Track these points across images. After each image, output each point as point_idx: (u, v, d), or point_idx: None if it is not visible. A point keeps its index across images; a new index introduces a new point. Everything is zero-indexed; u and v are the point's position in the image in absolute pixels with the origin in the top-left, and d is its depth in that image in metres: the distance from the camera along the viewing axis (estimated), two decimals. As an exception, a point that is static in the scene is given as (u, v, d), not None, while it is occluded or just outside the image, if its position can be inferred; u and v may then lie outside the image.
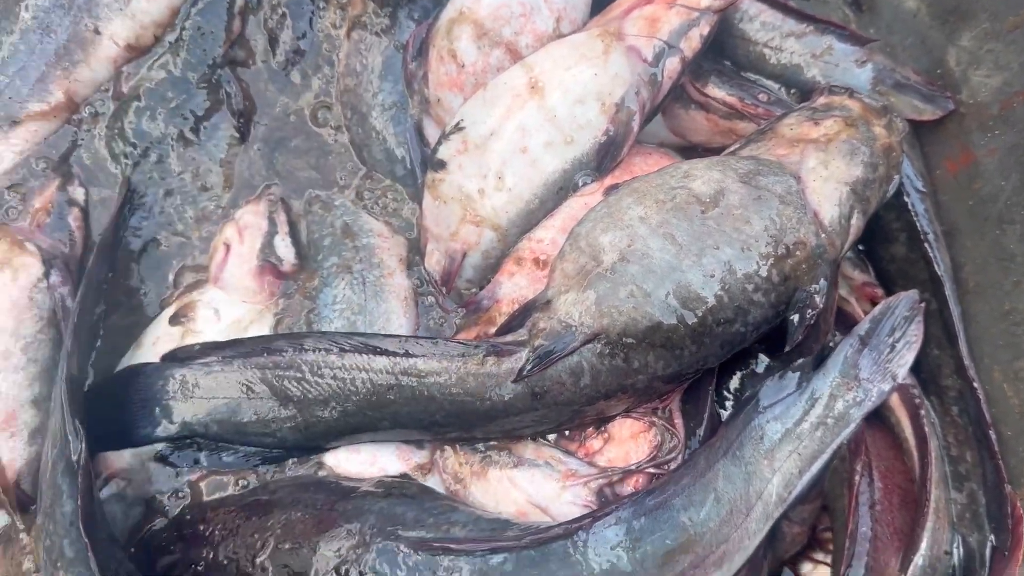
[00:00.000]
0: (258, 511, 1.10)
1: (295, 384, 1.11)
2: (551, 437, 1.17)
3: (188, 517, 1.14)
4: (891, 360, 1.12)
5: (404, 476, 1.14)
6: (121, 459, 1.15)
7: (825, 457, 1.06)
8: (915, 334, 1.13)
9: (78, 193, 1.33)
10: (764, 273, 1.08)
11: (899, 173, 1.21)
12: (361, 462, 1.14)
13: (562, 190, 1.26)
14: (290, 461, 1.16)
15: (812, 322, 1.10)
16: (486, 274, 1.29)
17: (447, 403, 1.09)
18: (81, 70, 1.34)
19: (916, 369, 1.31)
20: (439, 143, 1.28)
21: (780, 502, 1.05)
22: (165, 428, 1.14)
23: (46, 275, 1.19)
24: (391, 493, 1.09)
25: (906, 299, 1.14)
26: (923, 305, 1.12)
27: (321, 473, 1.16)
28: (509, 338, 1.11)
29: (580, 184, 1.25)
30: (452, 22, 1.30)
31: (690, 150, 1.44)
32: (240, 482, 1.18)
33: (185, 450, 1.15)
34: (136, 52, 1.38)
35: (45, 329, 1.18)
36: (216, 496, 1.17)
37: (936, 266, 1.29)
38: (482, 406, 1.08)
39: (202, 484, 1.21)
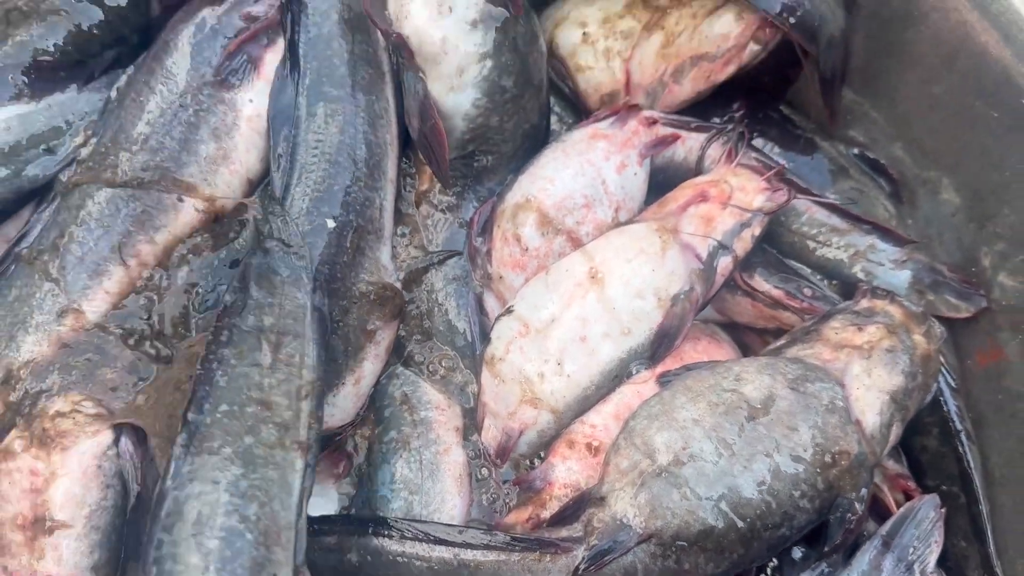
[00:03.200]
0: None
1: (353, 568, 1.14)
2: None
3: None
4: (913, 563, 1.18)
5: None
6: None
7: None
8: (937, 537, 1.20)
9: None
10: (811, 481, 1.14)
11: (936, 381, 1.28)
12: None
13: (616, 377, 1.32)
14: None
15: (852, 527, 1.17)
16: (539, 450, 1.35)
17: None
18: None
19: (942, 560, 1.35)
20: (497, 320, 1.35)
21: None
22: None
23: (115, 441, 1.19)
24: None
25: (928, 502, 1.21)
26: (944, 510, 1.18)
27: None
28: (564, 533, 1.16)
29: (634, 372, 1.32)
30: (518, 207, 1.38)
31: (734, 327, 1.51)
32: None
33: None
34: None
35: (110, 496, 1.19)
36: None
37: (967, 464, 1.35)
38: (535, 603, 1.13)
39: None
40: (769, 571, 1.30)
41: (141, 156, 1.31)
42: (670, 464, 1.14)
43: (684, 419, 1.17)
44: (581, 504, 1.19)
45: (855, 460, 1.17)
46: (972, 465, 1.35)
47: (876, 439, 1.20)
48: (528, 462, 1.36)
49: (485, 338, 1.38)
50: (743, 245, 1.34)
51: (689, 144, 1.51)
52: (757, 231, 1.34)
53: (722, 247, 1.32)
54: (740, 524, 1.12)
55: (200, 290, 1.31)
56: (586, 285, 1.30)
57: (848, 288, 1.43)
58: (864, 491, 1.17)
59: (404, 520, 1.19)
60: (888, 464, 1.40)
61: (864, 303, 1.32)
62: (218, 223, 1.36)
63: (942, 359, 1.39)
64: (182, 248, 1.32)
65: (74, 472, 1.16)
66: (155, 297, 1.29)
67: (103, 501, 1.18)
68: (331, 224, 1.30)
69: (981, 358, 1.43)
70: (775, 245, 1.49)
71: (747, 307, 1.44)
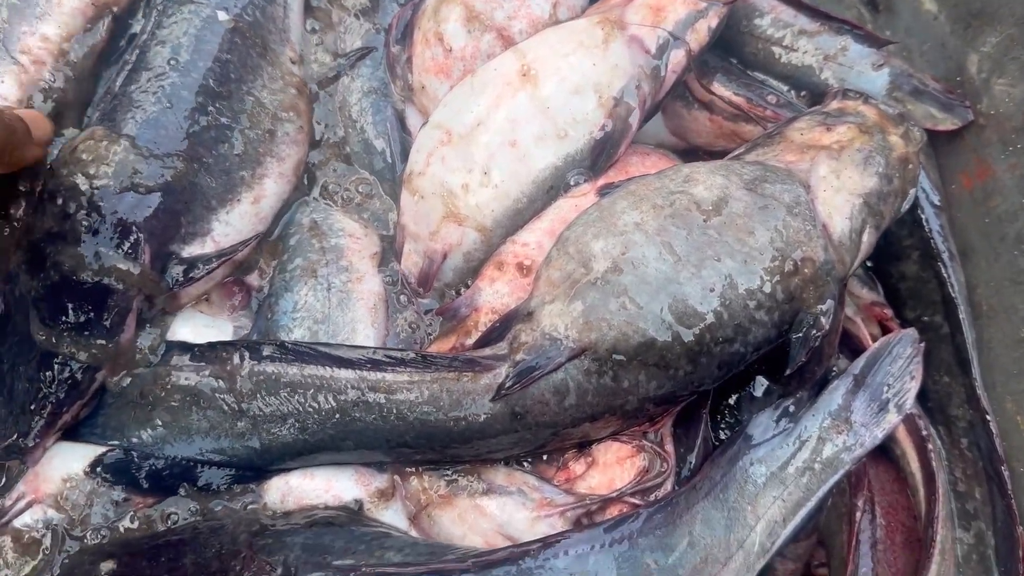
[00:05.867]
0: (167, 552, 0.98)
1: (249, 397, 1.01)
2: (528, 467, 1.08)
3: (87, 561, 1.02)
4: (887, 403, 1.04)
5: (342, 507, 1.03)
6: (51, 483, 1.03)
7: (811, 505, 0.99)
8: (914, 376, 1.05)
9: None
10: (768, 290, 0.99)
11: (915, 187, 1.12)
12: (315, 488, 1.03)
13: (552, 188, 1.16)
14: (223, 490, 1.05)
15: (816, 345, 1.01)
16: (466, 278, 1.19)
17: (417, 422, 0.99)
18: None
19: (923, 397, 1.23)
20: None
21: (763, 552, 0.97)
22: (103, 432, 1.04)
23: None
24: (315, 523, 0.99)
25: (906, 337, 1.07)
26: (923, 345, 1.04)
27: (252, 506, 1.04)
28: (488, 351, 1.02)
29: (572, 183, 1.16)
30: (440, 2, 1.21)
31: (691, 153, 1.34)
32: (170, 519, 1.05)
33: (122, 466, 1.04)
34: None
35: None
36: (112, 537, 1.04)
37: (950, 288, 1.21)
38: (456, 426, 0.98)
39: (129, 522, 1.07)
40: (726, 409, 1.15)
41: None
42: (607, 272, 0.99)
43: (625, 223, 1.02)
44: (508, 322, 1.05)
45: (820, 268, 1.01)
46: (956, 289, 1.20)
47: (845, 246, 1.04)
48: (454, 292, 1.21)
49: (406, 156, 1.21)
50: (698, 37, 1.17)
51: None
52: (714, 22, 1.18)
53: (674, 38, 1.15)
54: (686, 336, 0.97)
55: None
56: (516, 84, 1.13)
57: (818, 100, 1.27)
58: (830, 303, 1.02)
59: (303, 343, 1.05)
60: (862, 293, 1.26)
61: (834, 104, 1.17)
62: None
63: (926, 175, 1.24)
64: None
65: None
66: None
67: None
68: (223, 17, 1.13)
69: (967, 180, 1.28)
70: (736, 54, 1.33)
71: (704, 122, 1.28)
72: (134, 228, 1.02)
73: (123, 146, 1.04)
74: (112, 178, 1.02)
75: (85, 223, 1.01)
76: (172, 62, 1.11)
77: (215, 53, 1.13)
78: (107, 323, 1.01)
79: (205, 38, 1.12)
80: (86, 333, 1.00)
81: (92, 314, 1.00)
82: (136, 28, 1.19)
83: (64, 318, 1.00)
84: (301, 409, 1.00)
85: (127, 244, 1.02)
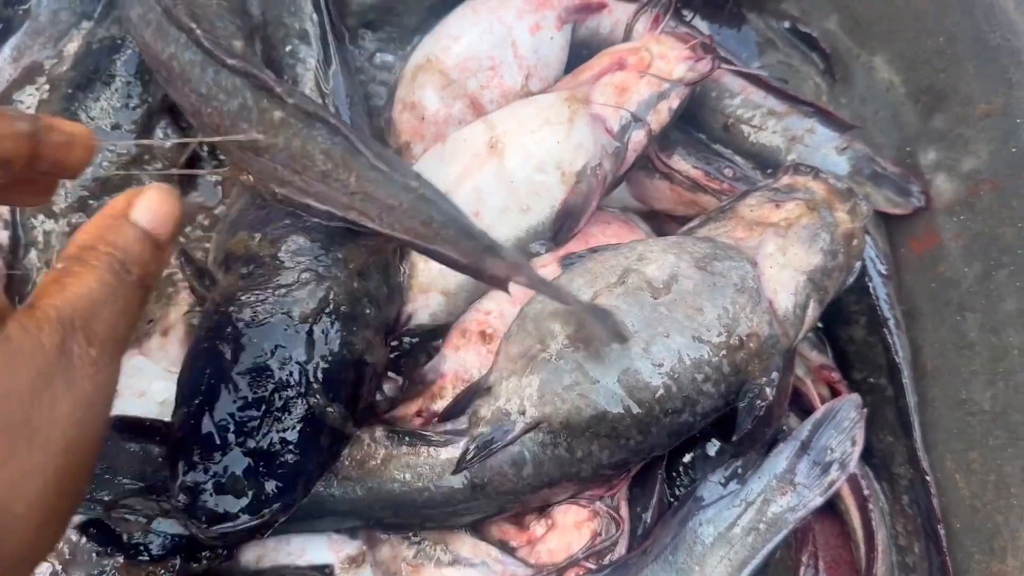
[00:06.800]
0: None
1: None
2: (493, 527, 1.13)
3: None
4: (830, 466, 1.11)
5: (313, 568, 1.08)
6: None
7: (755, 563, 1.05)
8: (855, 441, 1.12)
9: None
10: (715, 363, 1.05)
11: (860, 260, 1.18)
12: (290, 553, 1.07)
13: (516, 258, 1.22)
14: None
15: (761, 414, 1.08)
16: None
17: (385, 493, 1.04)
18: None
19: (869, 455, 1.29)
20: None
21: None
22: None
23: None
24: None
25: (849, 402, 1.14)
26: (866, 410, 1.11)
27: (227, 562, 1.07)
28: (448, 426, 1.08)
29: (534, 252, 1.21)
30: (418, 69, 1.27)
31: (653, 216, 1.40)
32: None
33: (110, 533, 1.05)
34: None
35: None
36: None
37: (895, 354, 1.26)
38: (420, 497, 1.04)
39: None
40: (681, 468, 1.21)
41: None
42: (563, 348, 1.05)
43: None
44: (470, 396, 1.10)
45: (765, 342, 1.07)
46: (900, 355, 1.26)
47: (790, 320, 1.10)
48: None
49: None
50: (659, 119, 1.22)
51: (616, 15, 1.39)
52: (675, 104, 1.23)
53: (635, 119, 1.21)
54: (636, 409, 1.03)
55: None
56: (483, 156, 1.19)
57: (779, 176, 1.32)
58: (775, 375, 1.08)
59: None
60: (812, 355, 1.32)
61: (785, 179, 1.21)
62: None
63: (874, 244, 1.30)
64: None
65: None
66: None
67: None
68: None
69: (916, 245, 1.34)
70: (706, 131, 1.39)
71: (665, 191, 1.34)
72: None
73: None
74: None
75: None
76: None
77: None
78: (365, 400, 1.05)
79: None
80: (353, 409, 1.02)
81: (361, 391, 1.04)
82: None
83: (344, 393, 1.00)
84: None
85: None
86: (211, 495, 0.90)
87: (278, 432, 0.92)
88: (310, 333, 0.98)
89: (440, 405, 1.16)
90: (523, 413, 1.03)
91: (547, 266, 1.19)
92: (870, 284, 1.28)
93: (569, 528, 1.10)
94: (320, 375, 0.96)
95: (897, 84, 1.37)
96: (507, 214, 1.19)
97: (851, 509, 1.24)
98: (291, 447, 0.93)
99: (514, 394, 1.04)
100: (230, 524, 0.89)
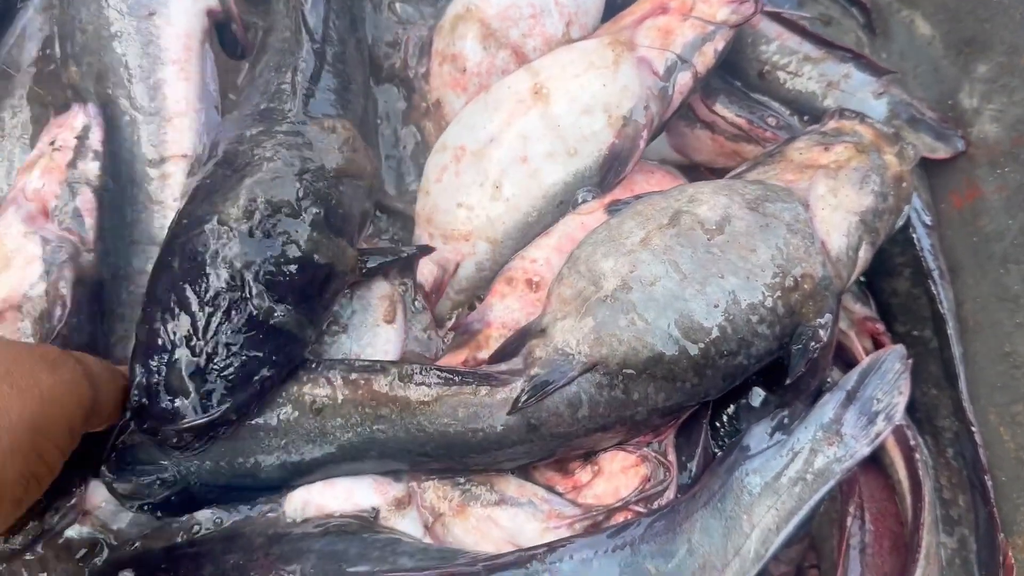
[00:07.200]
0: (186, 564, 1.00)
1: (276, 413, 1.03)
2: (536, 473, 1.11)
3: (108, 572, 1.02)
4: (876, 416, 1.09)
5: (356, 516, 1.05)
6: (95, 496, 1.02)
7: (803, 513, 1.02)
8: (902, 389, 1.10)
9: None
10: (769, 305, 1.03)
11: (909, 204, 1.17)
12: (336, 496, 1.05)
13: (562, 204, 1.20)
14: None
15: (815, 356, 1.06)
16: (478, 286, 1.23)
17: (437, 434, 1.02)
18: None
19: (912, 408, 1.27)
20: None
21: (757, 559, 1.00)
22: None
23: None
24: (329, 531, 1.02)
25: (895, 353, 1.11)
26: (911, 360, 1.09)
27: (271, 515, 1.05)
28: (504, 367, 1.05)
29: (580, 200, 1.20)
30: (458, 19, 1.25)
31: (692, 169, 1.39)
32: (194, 530, 1.06)
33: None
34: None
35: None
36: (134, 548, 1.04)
37: (939, 304, 1.25)
38: (474, 438, 1.02)
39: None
40: (725, 419, 1.20)
41: None
42: (616, 290, 1.03)
43: (632, 243, 1.06)
44: (522, 338, 1.08)
45: (819, 284, 1.06)
46: (945, 305, 1.25)
47: (842, 262, 1.09)
48: (465, 306, 1.24)
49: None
50: (704, 61, 1.21)
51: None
52: (720, 45, 1.22)
53: (681, 61, 1.19)
54: (693, 351, 1.01)
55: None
56: (529, 101, 1.17)
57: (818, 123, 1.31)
58: (829, 317, 1.06)
59: (327, 360, 1.08)
60: (856, 307, 1.30)
61: (832, 124, 1.21)
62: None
63: (918, 195, 1.28)
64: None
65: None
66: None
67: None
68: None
69: (957, 199, 1.33)
70: (742, 78, 1.37)
71: (706, 141, 1.32)
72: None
73: None
74: None
75: None
76: None
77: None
78: (325, 305, 1.06)
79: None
80: (308, 312, 1.02)
81: (317, 295, 1.03)
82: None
83: (293, 296, 1.00)
84: (328, 425, 1.03)
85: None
86: (163, 395, 0.93)
87: (224, 335, 0.95)
88: (249, 234, 0.98)
89: (485, 354, 1.14)
90: (580, 353, 1.01)
91: (593, 213, 1.17)
92: (914, 235, 1.27)
93: (616, 473, 1.09)
94: (262, 276, 0.97)
95: (937, 39, 1.36)
96: (554, 159, 1.17)
97: (897, 461, 1.23)
98: (236, 349, 0.95)
99: (570, 335, 1.02)
100: (184, 420, 0.93)
